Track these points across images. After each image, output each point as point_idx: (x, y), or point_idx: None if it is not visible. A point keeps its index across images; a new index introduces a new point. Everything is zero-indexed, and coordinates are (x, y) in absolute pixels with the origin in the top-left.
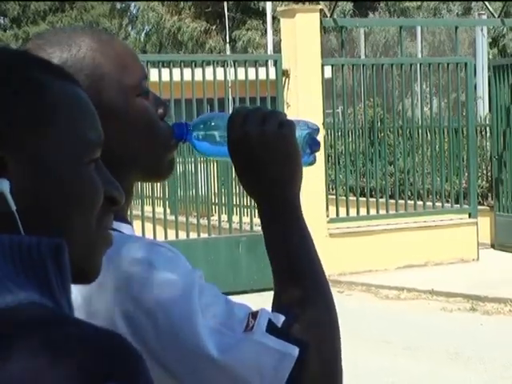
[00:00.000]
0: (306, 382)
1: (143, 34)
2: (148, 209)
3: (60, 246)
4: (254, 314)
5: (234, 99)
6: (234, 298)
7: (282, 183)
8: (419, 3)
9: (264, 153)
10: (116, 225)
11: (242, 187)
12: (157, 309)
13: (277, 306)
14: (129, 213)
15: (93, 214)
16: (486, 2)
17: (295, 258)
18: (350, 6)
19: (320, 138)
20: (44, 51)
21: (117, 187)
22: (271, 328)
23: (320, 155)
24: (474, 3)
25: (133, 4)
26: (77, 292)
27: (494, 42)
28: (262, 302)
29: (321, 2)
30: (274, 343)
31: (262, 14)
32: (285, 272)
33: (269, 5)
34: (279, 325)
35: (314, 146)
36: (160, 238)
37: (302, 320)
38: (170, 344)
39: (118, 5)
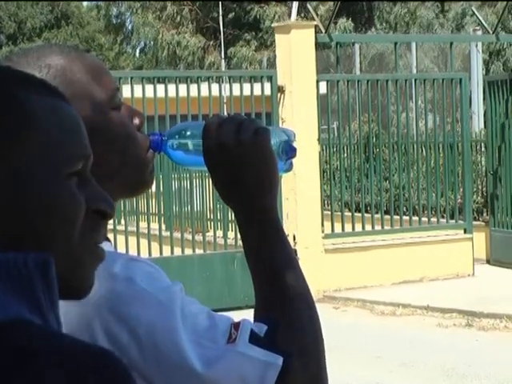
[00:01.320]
0: None
1: (138, 50)
2: (143, 225)
3: (47, 262)
4: (236, 325)
5: (229, 115)
6: (230, 314)
7: (259, 191)
8: (411, 16)
9: (240, 162)
10: None
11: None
12: (138, 324)
13: (259, 314)
14: (123, 228)
15: (74, 228)
16: (481, 19)
17: (273, 261)
18: (350, 22)
19: (315, 153)
20: None
21: (106, 200)
22: (254, 338)
23: (315, 171)
24: (468, 19)
25: (128, 20)
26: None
27: (495, 57)
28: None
29: (316, 19)
30: (258, 353)
31: (256, 28)
32: (263, 278)
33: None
34: (262, 334)
35: (290, 152)
36: (155, 254)
37: (285, 328)
38: (153, 359)
39: (114, 20)
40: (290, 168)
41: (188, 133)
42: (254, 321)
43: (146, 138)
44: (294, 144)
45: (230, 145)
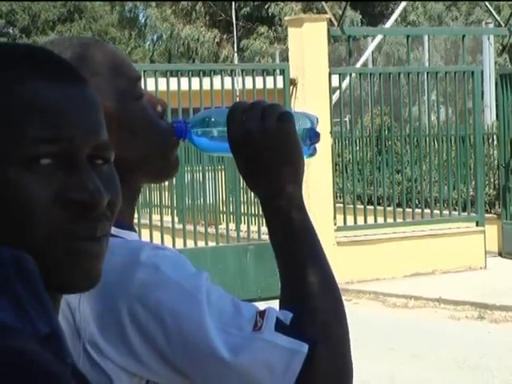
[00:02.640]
0: (317, 378)
1: (151, 44)
2: (156, 217)
3: (21, 259)
4: (262, 313)
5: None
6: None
7: (284, 177)
8: (424, 13)
9: (266, 148)
10: (122, 233)
11: (250, 194)
12: (164, 312)
13: (284, 302)
14: (136, 221)
15: (33, 222)
16: (494, 12)
17: (299, 249)
18: (358, 15)
19: (328, 146)
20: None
21: (84, 188)
22: (279, 326)
23: (327, 164)
24: (480, 13)
25: (141, 14)
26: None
27: (506, 50)
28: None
29: (329, 12)
30: (283, 341)
31: (270, 22)
32: (289, 268)
33: None
34: (287, 322)
35: (313, 137)
36: (168, 246)
37: (310, 316)
38: (180, 347)
39: (128, 14)
40: (314, 153)
41: (212, 119)
42: (280, 309)
43: (169, 125)
44: (317, 129)
45: (254, 131)
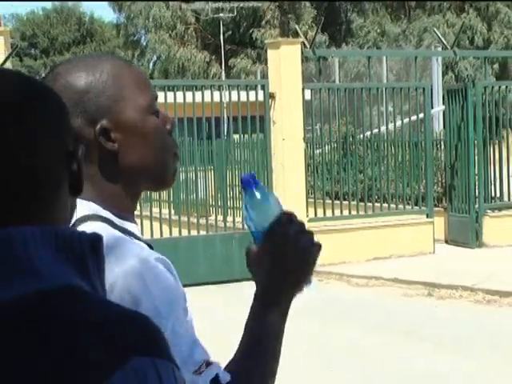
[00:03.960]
0: None
1: (151, 63)
2: (155, 210)
3: (97, 239)
4: (208, 364)
5: (228, 118)
6: (229, 286)
7: (287, 288)
8: (382, 37)
9: (291, 256)
10: (126, 224)
11: (235, 190)
12: None
13: (231, 362)
14: (138, 213)
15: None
16: (441, 37)
17: (263, 341)
18: (326, 38)
19: (301, 150)
20: (70, 75)
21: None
22: (215, 381)
23: (301, 165)
24: (429, 37)
25: (143, 37)
26: None
27: (450, 69)
28: (249, 290)
29: (302, 36)
30: None
31: (252, 45)
32: (249, 344)
33: None
34: (223, 382)
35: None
36: (166, 234)
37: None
38: None
39: (131, 38)
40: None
41: (267, 199)
42: (225, 367)
43: (174, 141)
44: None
45: (291, 239)
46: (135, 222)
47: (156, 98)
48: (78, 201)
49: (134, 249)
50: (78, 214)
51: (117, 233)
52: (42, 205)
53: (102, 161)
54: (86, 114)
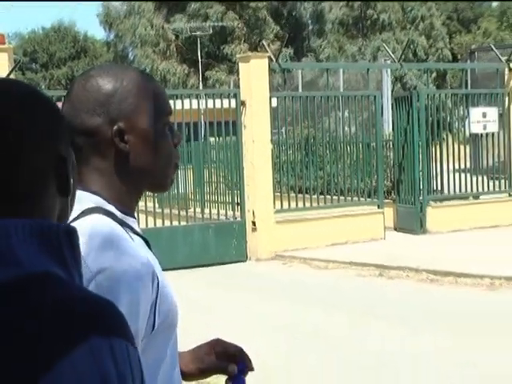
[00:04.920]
0: None
1: None
2: (141, 203)
3: (72, 230)
4: None
5: (204, 123)
6: (206, 270)
7: None
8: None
9: None
10: (125, 218)
11: (211, 187)
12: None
13: None
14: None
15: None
16: (390, 52)
17: None
18: (290, 51)
19: (268, 150)
20: (101, 78)
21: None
22: None
23: (268, 163)
24: (381, 52)
25: (130, 53)
26: None
27: (398, 80)
28: (224, 272)
29: (269, 52)
30: None
31: (226, 59)
32: None
33: None
34: None
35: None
36: (150, 225)
37: None
38: None
39: (120, 53)
40: None
41: None
42: None
43: (177, 154)
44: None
45: None
46: (135, 217)
47: (170, 112)
48: (86, 194)
49: (127, 251)
50: (83, 207)
51: (118, 227)
52: (28, 204)
53: (114, 158)
54: (108, 114)
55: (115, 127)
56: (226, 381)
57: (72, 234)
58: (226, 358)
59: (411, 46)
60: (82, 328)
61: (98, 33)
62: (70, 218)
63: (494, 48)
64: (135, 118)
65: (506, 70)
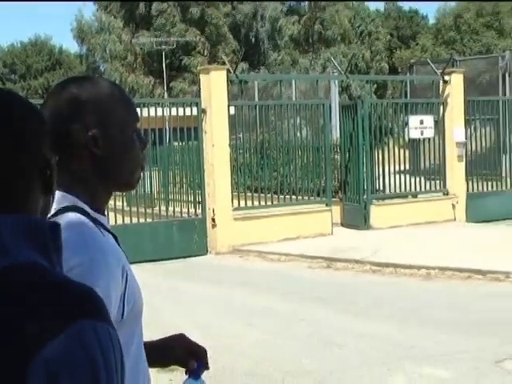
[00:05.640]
0: None
1: None
2: (111, 202)
3: (56, 225)
4: None
5: (169, 129)
6: (171, 263)
7: None
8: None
9: None
10: (97, 215)
11: (175, 187)
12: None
13: None
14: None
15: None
16: (337, 65)
17: None
18: (246, 65)
19: (227, 154)
20: (78, 86)
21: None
22: None
23: (227, 165)
24: (329, 64)
25: (101, 66)
26: None
27: (345, 90)
28: (186, 264)
29: (227, 64)
30: None
31: (189, 71)
32: None
33: None
34: None
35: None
36: (119, 222)
37: None
38: None
39: (92, 65)
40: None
41: None
42: None
43: (144, 158)
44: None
45: None
46: (105, 215)
47: (138, 120)
48: (62, 194)
49: (99, 246)
50: (60, 205)
51: (91, 224)
52: (16, 201)
53: (87, 162)
54: (83, 121)
55: (89, 133)
56: (186, 372)
57: (55, 229)
58: (187, 354)
59: (355, 59)
60: (69, 312)
61: (72, 46)
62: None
63: (430, 62)
64: (108, 125)
65: (441, 82)
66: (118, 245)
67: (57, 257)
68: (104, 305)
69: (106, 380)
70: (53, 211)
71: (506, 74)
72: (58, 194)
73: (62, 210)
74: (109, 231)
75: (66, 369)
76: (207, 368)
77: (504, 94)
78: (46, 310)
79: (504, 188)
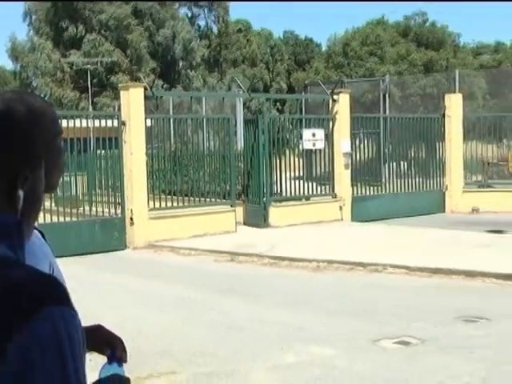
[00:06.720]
0: None
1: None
2: None
3: (20, 222)
4: None
5: (93, 138)
6: (93, 257)
7: None
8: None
9: None
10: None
11: (101, 191)
12: None
13: None
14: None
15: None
16: (241, 85)
17: None
18: (162, 83)
19: (144, 161)
20: (12, 100)
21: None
22: None
23: (143, 171)
24: (234, 84)
25: (34, 81)
26: None
27: (247, 106)
28: (107, 258)
29: (144, 82)
30: None
31: (112, 87)
32: None
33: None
34: None
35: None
36: (48, 220)
37: None
38: None
39: (25, 81)
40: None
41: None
42: None
43: (65, 162)
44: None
45: None
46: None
47: (62, 131)
48: None
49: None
50: None
51: None
52: None
53: None
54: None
55: None
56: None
57: (20, 225)
58: (104, 343)
59: (256, 79)
60: (41, 299)
61: (7, 63)
62: None
63: (321, 83)
64: (37, 135)
65: (330, 100)
66: (45, 240)
67: (21, 251)
68: (67, 291)
69: (72, 359)
70: None
71: (386, 95)
72: None
73: None
74: (36, 228)
75: (37, 352)
76: (124, 361)
77: (384, 112)
78: (17, 300)
79: (383, 192)
